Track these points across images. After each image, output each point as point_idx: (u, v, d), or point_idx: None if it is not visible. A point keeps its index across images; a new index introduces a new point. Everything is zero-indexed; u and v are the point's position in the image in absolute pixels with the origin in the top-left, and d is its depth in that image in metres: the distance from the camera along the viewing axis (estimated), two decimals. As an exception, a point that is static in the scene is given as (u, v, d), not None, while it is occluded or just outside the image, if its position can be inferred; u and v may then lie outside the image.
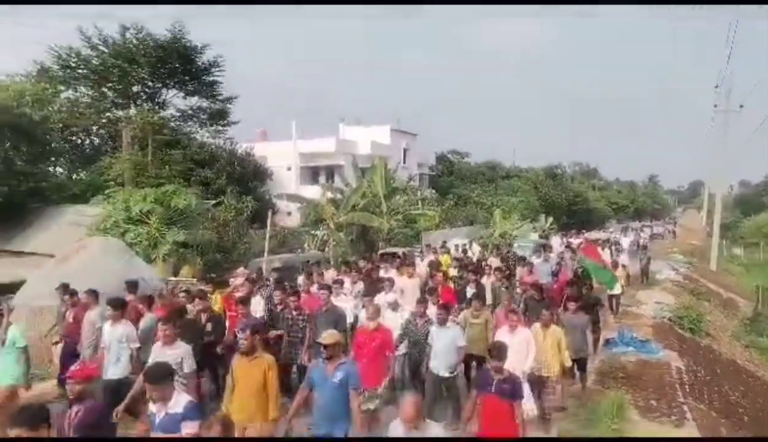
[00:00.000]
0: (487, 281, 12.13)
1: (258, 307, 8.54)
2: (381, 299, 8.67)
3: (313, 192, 30.68)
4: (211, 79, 27.70)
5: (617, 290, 14.19)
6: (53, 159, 24.28)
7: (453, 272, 13.61)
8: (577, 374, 8.59)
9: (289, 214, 30.02)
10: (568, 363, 7.52)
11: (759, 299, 23.22)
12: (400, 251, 19.20)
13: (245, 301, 8.09)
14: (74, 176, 25.22)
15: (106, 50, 25.05)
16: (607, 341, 11.84)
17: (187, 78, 26.99)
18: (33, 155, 20.68)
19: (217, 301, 9.04)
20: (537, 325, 7.45)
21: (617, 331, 12.54)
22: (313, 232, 24.34)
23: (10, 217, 19.28)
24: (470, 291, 10.59)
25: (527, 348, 6.88)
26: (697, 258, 32.72)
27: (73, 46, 24.86)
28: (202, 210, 17.94)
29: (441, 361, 7.01)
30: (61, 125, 23.34)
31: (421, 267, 14.32)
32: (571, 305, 8.42)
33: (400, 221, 24.03)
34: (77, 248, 12.06)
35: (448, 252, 18.27)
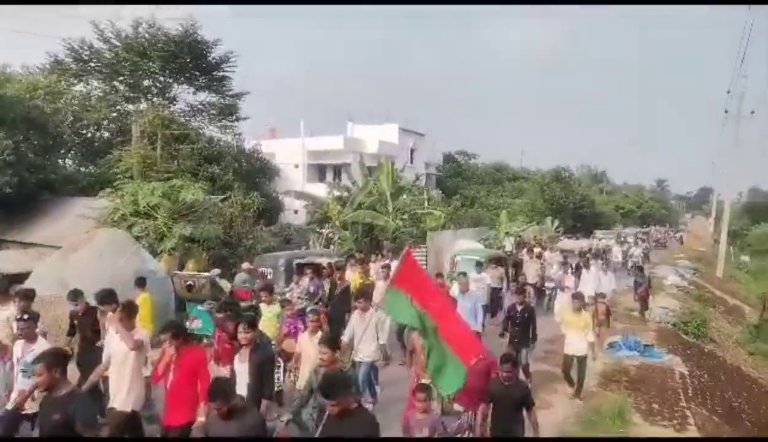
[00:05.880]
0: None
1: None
2: None
3: (319, 190, 30.81)
4: (222, 74, 27.81)
5: (579, 348, 8.45)
6: (63, 151, 24.43)
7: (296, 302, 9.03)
8: None
9: (296, 212, 30.09)
10: None
11: (765, 306, 23.06)
12: (325, 260, 12.88)
13: None
14: (83, 169, 25.35)
15: (118, 44, 25.21)
16: (611, 345, 11.84)
17: (197, 73, 27.09)
18: (44, 147, 20.82)
19: None
20: None
21: (621, 335, 12.53)
22: (318, 230, 24.39)
23: (20, 208, 19.44)
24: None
25: None
26: (704, 265, 32.57)
27: (85, 38, 25.09)
28: (209, 205, 17.98)
29: None
30: (71, 118, 23.49)
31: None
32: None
33: (406, 220, 23.99)
34: (84, 240, 12.18)
35: (362, 263, 12.94)
